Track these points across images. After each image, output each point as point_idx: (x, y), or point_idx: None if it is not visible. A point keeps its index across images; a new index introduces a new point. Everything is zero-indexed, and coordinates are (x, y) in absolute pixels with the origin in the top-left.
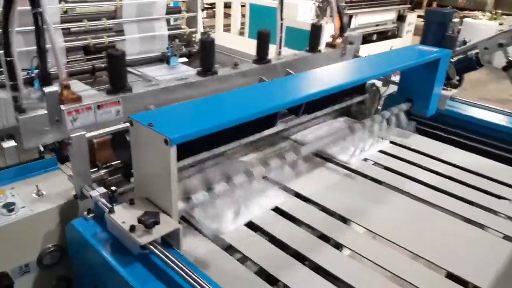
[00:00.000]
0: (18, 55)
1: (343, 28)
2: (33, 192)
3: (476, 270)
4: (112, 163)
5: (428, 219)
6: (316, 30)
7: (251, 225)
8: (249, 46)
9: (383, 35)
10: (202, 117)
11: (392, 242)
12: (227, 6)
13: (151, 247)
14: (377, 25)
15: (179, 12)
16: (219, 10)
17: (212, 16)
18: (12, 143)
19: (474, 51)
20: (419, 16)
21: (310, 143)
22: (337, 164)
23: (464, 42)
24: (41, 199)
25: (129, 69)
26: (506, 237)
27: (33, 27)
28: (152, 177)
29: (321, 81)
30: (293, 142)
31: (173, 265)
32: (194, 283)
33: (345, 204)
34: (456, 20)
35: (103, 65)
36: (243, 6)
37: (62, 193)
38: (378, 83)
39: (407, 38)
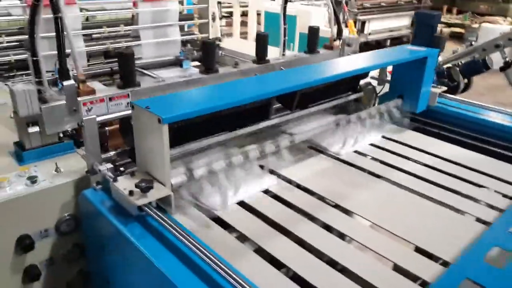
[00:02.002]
0: (44, 59)
1: (340, 31)
2: (53, 169)
3: (442, 245)
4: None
5: (409, 203)
6: (313, 32)
7: (242, 204)
8: None
9: (397, 41)
10: (193, 102)
11: (372, 222)
12: (244, 14)
13: (146, 208)
14: (391, 31)
15: (192, 19)
16: (236, 18)
17: (231, 24)
18: (36, 128)
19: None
20: None
21: (303, 133)
22: (329, 155)
23: (471, 44)
24: (59, 175)
25: (144, 71)
26: (478, 220)
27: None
28: (150, 152)
29: (310, 74)
30: (287, 135)
31: (165, 224)
32: (183, 239)
33: (331, 189)
34: (475, 25)
35: None
36: (259, 14)
37: (77, 170)
38: (374, 82)
39: None
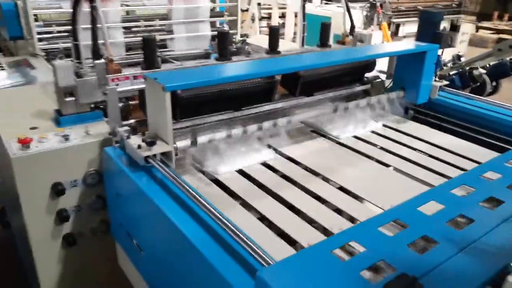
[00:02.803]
0: (85, 48)
1: (353, 27)
2: (83, 131)
3: None
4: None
5: (392, 180)
6: (325, 27)
7: (240, 172)
8: None
9: None
10: (196, 76)
11: (351, 191)
12: (283, 16)
13: (151, 161)
14: None
15: (222, 16)
16: (275, 20)
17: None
18: (72, 98)
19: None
20: (485, 28)
21: (303, 113)
22: (329, 138)
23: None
24: (88, 136)
25: (173, 61)
26: None
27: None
28: (157, 116)
29: (308, 60)
30: (289, 116)
31: (166, 174)
32: (180, 186)
33: (322, 165)
34: None
35: None
36: (296, 16)
37: (103, 133)
38: (382, 76)
39: (461, 48)
